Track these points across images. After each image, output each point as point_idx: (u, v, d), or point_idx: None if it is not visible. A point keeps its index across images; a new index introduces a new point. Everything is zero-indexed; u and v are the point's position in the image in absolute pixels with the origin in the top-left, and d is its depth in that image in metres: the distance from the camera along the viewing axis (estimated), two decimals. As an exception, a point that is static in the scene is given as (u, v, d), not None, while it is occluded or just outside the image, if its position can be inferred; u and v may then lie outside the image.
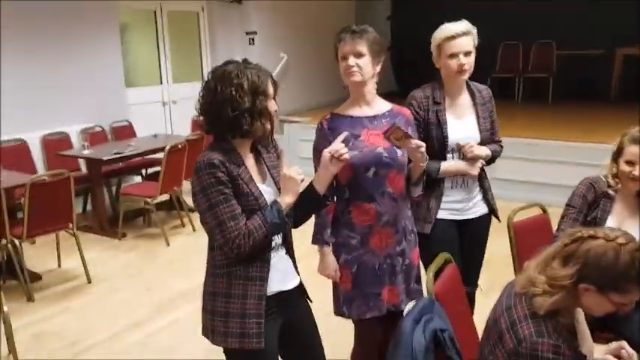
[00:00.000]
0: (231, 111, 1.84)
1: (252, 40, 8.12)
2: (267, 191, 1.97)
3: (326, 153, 1.97)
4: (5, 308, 3.29)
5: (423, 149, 2.20)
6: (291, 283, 2.05)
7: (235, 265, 1.90)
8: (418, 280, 2.44)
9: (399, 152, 2.27)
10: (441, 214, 2.68)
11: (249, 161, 1.98)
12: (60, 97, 6.14)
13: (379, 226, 2.29)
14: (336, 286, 2.41)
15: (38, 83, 5.96)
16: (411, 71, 9.46)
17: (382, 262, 2.32)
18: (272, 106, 1.93)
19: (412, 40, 9.51)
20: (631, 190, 2.41)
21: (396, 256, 2.34)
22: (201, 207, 1.86)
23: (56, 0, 6.03)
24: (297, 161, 6.63)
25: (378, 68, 2.30)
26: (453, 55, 2.54)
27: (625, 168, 2.38)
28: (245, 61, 1.95)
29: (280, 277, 2.00)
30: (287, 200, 1.92)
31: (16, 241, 4.21)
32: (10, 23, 5.64)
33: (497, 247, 3.02)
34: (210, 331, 1.96)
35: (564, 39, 8.34)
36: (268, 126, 1.93)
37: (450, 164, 2.64)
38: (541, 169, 6.10)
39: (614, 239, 1.53)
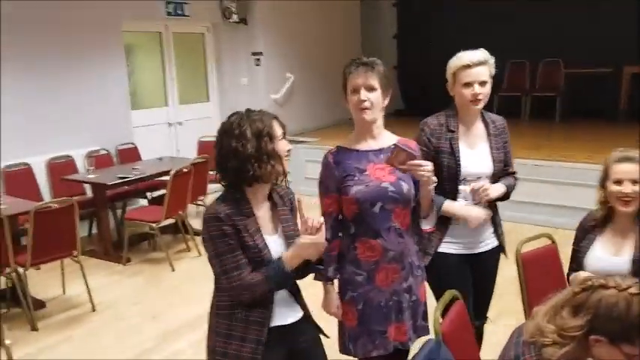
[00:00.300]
0: (237, 160, 1.88)
1: (259, 60, 8.14)
2: (276, 243, 1.99)
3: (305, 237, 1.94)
4: (8, 341, 3.28)
5: (430, 167, 2.14)
6: (291, 318, 2.06)
7: (237, 308, 1.95)
8: (425, 317, 2.40)
9: (405, 186, 2.22)
10: (447, 249, 2.63)
11: (262, 211, 2.00)
12: (65, 120, 6.16)
13: (385, 262, 2.24)
14: (341, 324, 2.37)
15: (43, 106, 5.98)
16: (417, 89, 9.49)
17: (388, 299, 2.27)
18: (282, 146, 1.95)
19: (419, 58, 9.61)
20: (624, 212, 2.33)
21: (403, 293, 2.29)
22: (209, 254, 1.95)
23: (59, 22, 6.08)
24: (302, 181, 6.65)
25: (386, 102, 2.26)
26: (468, 84, 2.50)
27: (614, 188, 2.32)
28: (248, 110, 1.97)
29: (279, 311, 2.01)
30: (294, 263, 1.94)
31: (20, 270, 4.18)
32: (14, 46, 5.68)
33: (506, 273, 2.95)
34: None
35: (572, 57, 8.30)
36: (279, 167, 1.95)
37: (454, 207, 2.57)
38: (548, 191, 6.04)
39: (626, 289, 1.47)
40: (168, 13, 7.32)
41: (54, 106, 6.07)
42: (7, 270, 4.14)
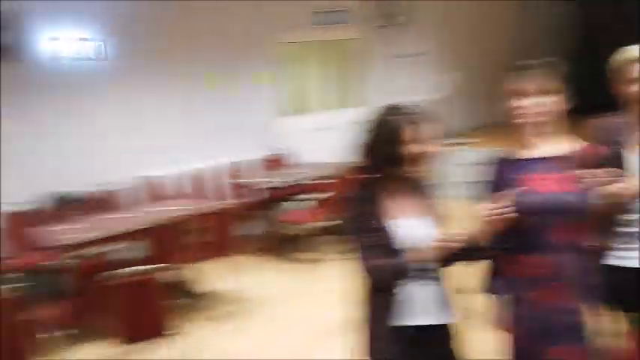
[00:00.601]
0: (370, 157, 1.97)
1: (415, 61, 7.99)
2: (408, 226, 1.97)
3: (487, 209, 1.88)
4: (175, 330, 3.55)
5: (605, 177, 1.86)
6: (425, 319, 2.00)
7: (371, 293, 2.02)
8: (591, 340, 2.13)
9: (571, 198, 1.96)
10: (621, 261, 2.30)
11: (398, 198, 2.00)
12: (231, 127, 6.61)
13: (546, 279, 2.02)
14: (502, 341, 2.19)
15: (212, 115, 6.50)
16: (584, 85, 8.65)
17: (550, 319, 2.04)
18: (418, 149, 1.92)
19: (586, 52, 8.74)
20: None
21: (566, 313, 2.04)
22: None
23: (220, 34, 6.56)
24: (456, 185, 6.39)
25: (559, 107, 2.03)
26: None
27: None
28: (392, 105, 2.00)
29: (414, 309, 1.98)
30: (419, 256, 1.90)
31: (188, 264, 4.53)
32: (186, 62, 6.26)
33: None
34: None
35: None
36: (412, 171, 1.94)
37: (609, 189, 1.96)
38: None
39: None
40: (321, 21, 7.44)
41: (221, 115, 6.58)
42: (177, 265, 4.51)
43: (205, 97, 6.51)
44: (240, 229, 4.68)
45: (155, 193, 5.84)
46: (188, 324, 4.41)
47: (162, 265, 3.50)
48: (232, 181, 6.13)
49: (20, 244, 5.02)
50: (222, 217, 4.56)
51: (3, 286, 3.23)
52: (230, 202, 4.59)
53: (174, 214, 4.51)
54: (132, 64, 5.93)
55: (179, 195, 5.84)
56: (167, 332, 3.46)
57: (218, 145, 6.49)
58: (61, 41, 5.53)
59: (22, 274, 4.49)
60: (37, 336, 3.36)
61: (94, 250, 4.06)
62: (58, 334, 3.80)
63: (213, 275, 5.11)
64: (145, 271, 3.38)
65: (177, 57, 6.24)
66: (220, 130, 6.55)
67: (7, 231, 5.15)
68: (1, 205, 5.14)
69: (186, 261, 4.47)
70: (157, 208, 4.98)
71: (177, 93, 6.30)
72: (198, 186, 6.20)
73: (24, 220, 5.19)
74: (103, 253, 3.94)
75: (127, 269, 3.38)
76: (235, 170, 6.52)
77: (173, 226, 4.40)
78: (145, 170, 5.92)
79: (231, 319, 4.52)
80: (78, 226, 4.71)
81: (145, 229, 4.33)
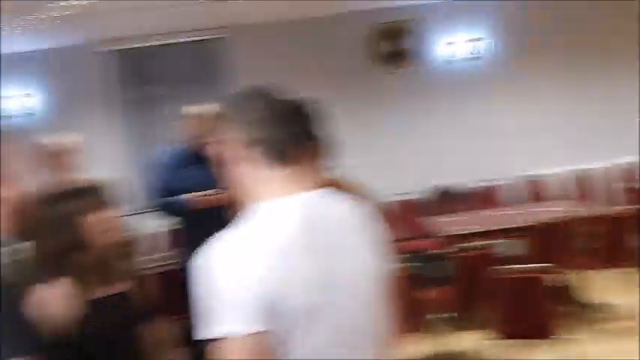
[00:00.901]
0: None
1: None
2: None
3: None
4: (572, 335, 3.39)
5: None
6: None
7: None
8: None
9: None
10: None
11: None
12: (623, 124, 5.99)
13: None
14: None
15: (600, 111, 6.02)
16: None
17: None
18: None
19: None
20: None
21: None
22: None
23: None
24: None
25: None
26: None
27: None
28: None
29: None
30: None
31: (573, 270, 4.27)
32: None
33: None
34: None
35: None
36: None
37: None
38: None
39: None
40: None
41: (616, 111, 6.03)
42: (561, 268, 4.30)
43: (598, 92, 6.06)
44: (635, 239, 4.18)
45: (537, 192, 5.73)
46: (572, 332, 4.18)
47: (546, 266, 3.38)
48: (628, 184, 5.54)
49: (409, 230, 5.55)
50: (614, 223, 4.16)
51: (400, 265, 3.59)
52: (624, 207, 4.13)
53: (558, 216, 4.32)
54: (518, 62, 5.92)
55: (563, 196, 5.58)
56: (548, 336, 3.34)
57: (611, 144, 5.98)
58: (454, 43, 5.88)
59: (412, 257, 4.97)
60: (427, 316, 3.66)
61: (476, 242, 4.19)
62: (440, 316, 4.06)
63: (602, 286, 4.71)
64: (530, 270, 3.32)
65: (565, 51, 5.98)
66: (613, 127, 6.01)
67: (399, 217, 5.76)
68: (396, 194, 5.78)
69: (570, 266, 4.24)
70: (539, 208, 4.89)
71: (564, 90, 6.03)
72: (585, 188, 5.82)
73: (413, 209, 5.75)
74: (486, 247, 4.03)
75: (511, 265, 3.37)
76: (632, 173, 5.88)
77: (556, 227, 4.22)
78: (527, 169, 5.86)
79: (623, 336, 4.10)
80: (461, 218, 4.98)
81: (526, 227, 4.27)
